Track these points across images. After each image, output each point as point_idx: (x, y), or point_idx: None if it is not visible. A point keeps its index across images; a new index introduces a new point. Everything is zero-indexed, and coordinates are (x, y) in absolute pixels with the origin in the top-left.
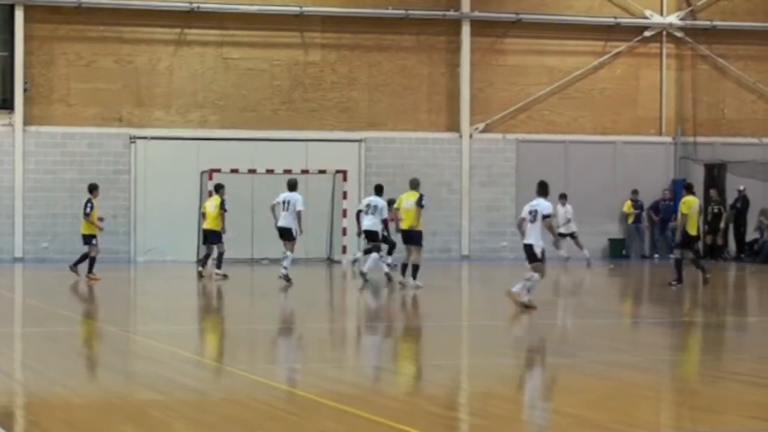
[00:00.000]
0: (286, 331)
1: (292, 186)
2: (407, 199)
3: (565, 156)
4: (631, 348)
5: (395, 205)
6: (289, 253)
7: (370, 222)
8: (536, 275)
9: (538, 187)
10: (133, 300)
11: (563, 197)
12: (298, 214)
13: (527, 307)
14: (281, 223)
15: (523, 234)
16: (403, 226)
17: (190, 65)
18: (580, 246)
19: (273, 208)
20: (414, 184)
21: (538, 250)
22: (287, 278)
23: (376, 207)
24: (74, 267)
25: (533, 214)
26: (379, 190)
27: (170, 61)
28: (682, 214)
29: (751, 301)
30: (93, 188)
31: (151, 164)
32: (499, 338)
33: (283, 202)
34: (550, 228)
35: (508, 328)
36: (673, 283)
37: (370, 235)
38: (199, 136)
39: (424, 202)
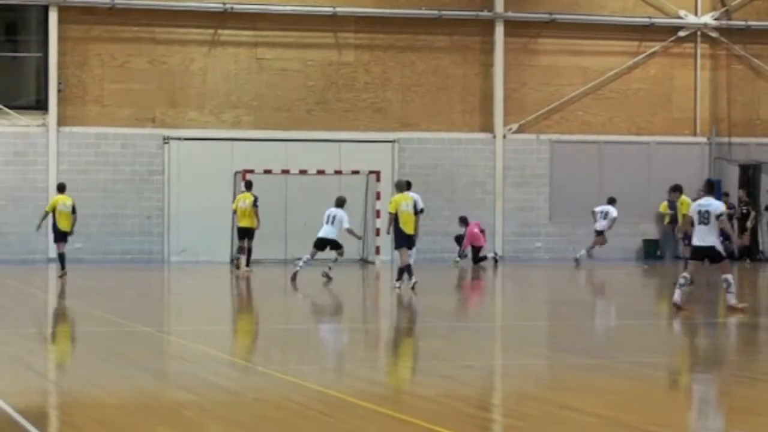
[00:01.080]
0: (319, 331)
1: (340, 203)
2: (406, 203)
3: (599, 156)
4: (662, 348)
5: (389, 208)
6: (338, 257)
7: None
8: (729, 275)
9: (706, 185)
10: (167, 300)
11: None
12: (348, 230)
13: (736, 309)
14: (321, 234)
15: (687, 236)
16: (408, 231)
17: (223, 66)
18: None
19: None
20: (401, 186)
21: (720, 249)
22: (329, 276)
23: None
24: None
25: (704, 215)
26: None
27: (204, 62)
28: (683, 215)
29: None
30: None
31: (184, 165)
32: (532, 339)
33: (328, 217)
34: (725, 226)
35: (542, 329)
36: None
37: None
38: (233, 137)
39: (420, 206)
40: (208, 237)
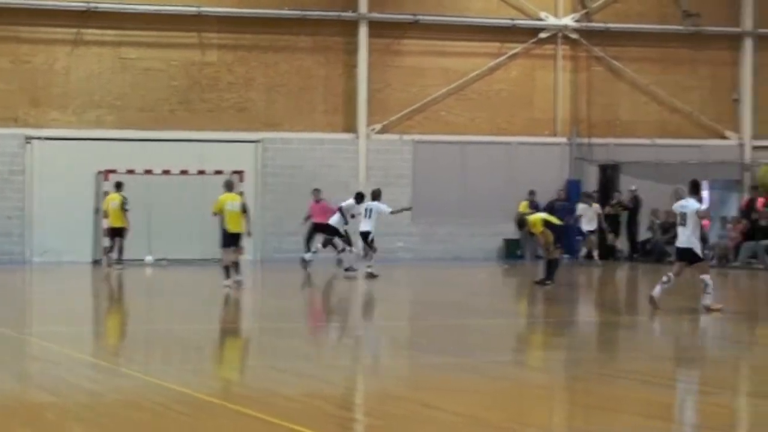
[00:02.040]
0: (181, 331)
1: (376, 195)
2: (231, 202)
3: (462, 157)
4: (524, 347)
5: (213, 208)
6: (372, 252)
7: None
8: (707, 276)
9: (691, 185)
10: (28, 302)
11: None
12: (395, 212)
13: (712, 310)
14: (363, 228)
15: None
16: (233, 230)
17: (86, 65)
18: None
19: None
20: (228, 185)
21: (698, 251)
22: (373, 275)
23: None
24: None
25: (683, 216)
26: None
27: (67, 61)
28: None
29: (643, 301)
30: None
31: (47, 165)
32: (394, 338)
33: (366, 210)
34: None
35: (404, 329)
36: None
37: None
38: (96, 137)
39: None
40: (72, 237)
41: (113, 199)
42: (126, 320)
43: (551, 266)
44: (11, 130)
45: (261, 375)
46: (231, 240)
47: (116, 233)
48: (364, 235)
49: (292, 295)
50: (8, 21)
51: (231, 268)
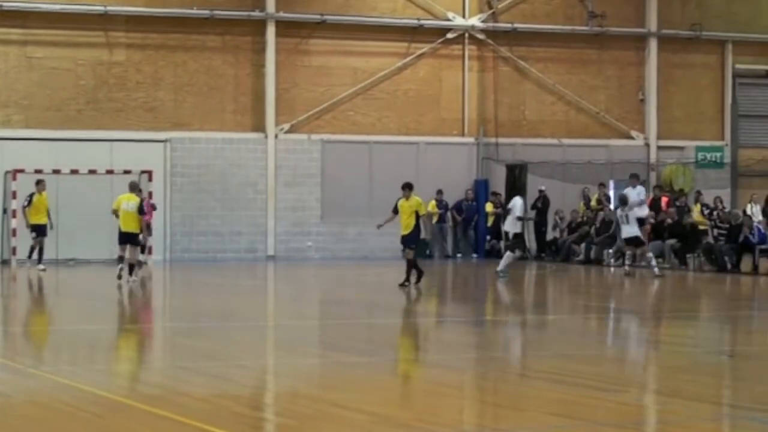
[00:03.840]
0: (91, 331)
1: (520, 191)
2: (127, 202)
3: (370, 156)
4: (434, 347)
5: (114, 206)
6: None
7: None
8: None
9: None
10: None
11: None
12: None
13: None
14: (506, 228)
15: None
16: (126, 229)
17: None
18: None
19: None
20: (132, 186)
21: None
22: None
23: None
24: None
25: (627, 216)
26: None
27: None
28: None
29: (551, 300)
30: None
31: None
32: (303, 338)
33: (509, 208)
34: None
35: (313, 328)
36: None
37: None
38: (3, 136)
39: (145, 209)
40: None
41: (41, 198)
42: (34, 320)
43: (409, 266)
44: None
45: (171, 375)
46: (124, 238)
47: (39, 230)
48: (506, 235)
49: (200, 294)
50: None
51: (135, 266)
